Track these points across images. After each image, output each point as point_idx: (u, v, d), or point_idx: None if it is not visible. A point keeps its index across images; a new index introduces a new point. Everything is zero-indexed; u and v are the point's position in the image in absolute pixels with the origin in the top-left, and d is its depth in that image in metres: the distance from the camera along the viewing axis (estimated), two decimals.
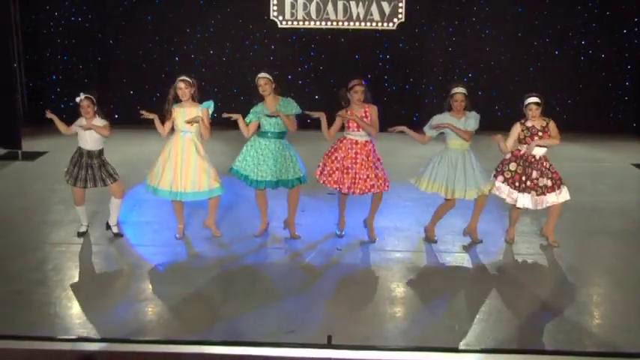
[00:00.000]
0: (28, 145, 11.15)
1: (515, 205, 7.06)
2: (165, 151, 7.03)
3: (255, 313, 5.63)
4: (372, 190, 6.95)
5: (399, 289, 6.16)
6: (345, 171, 6.95)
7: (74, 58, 13.19)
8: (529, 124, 6.95)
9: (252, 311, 5.64)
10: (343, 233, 7.34)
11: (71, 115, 13.34)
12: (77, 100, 7.00)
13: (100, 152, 7.07)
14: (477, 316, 5.65)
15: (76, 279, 6.24)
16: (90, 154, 7.01)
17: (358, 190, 6.94)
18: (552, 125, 6.96)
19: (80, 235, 7.28)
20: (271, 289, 6.13)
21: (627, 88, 13.21)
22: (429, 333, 5.37)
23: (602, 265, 6.79)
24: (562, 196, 6.99)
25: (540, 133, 6.91)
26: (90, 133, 6.96)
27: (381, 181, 6.97)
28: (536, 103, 6.90)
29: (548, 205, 7.00)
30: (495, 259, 6.87)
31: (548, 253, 7.04)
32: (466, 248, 7.12)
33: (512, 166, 7.03)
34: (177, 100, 7.03)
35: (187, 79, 6.98)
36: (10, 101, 10.64)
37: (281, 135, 7.07)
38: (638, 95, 13.16)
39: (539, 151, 6.94)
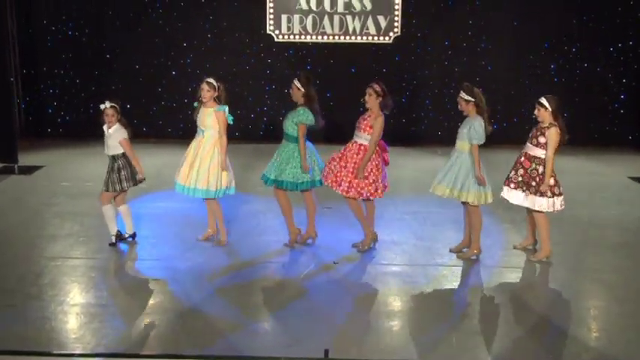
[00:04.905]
0: (25, 159, 11.13)
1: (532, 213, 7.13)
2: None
3: (252, 327, 5.61)
4: (332, 186, 7.04)
5: (396, 303, 6.14)
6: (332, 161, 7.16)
7: (71, 72, 13.20)
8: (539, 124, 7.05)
9: (249, 325, 5.62)
10: (372, 245, 7.34)
11: (68, 128, 13.42)
12: (102, 107, 7.21)
13: (114, 157, 7.20)
14: (474, 330, 5.63)
15: (72, 293, 6.20)
16: (108, 158, 7.25)
17: (327, 181, 7.11)
18: (549, 133, 6.86)
19: (111, 245, 7.33)
20: (269, 303, 6.11)
21: (623, 101, 13.26)
22: (426, 347, 5.35)
23: (600, 277, 6.78)
24: (528, 201, 6.98)
25: (534, 131, 7.02)
26: (106, 138, 7.20)
27: (341, 182, 6.97)
28: (538, 103, 7.00)
29: (511, 200, 7.06)
30: (492, 272, 6.86)
31: (545, 266, 7.03)
32: (463, 262, 7.10)
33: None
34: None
35: (212, 81, 7.24)
36: (7, 115, 10.63)
37: (286, 137, 7.17)
38: (634, 108, 13.21)
39: (529, 150, 6.98)
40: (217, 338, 5.42)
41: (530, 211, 7.17)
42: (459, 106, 6.98)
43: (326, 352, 5.15)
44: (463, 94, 6.92)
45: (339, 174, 7.02)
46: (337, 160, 7.09)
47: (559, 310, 6.08)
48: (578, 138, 12.80)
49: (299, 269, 6.87)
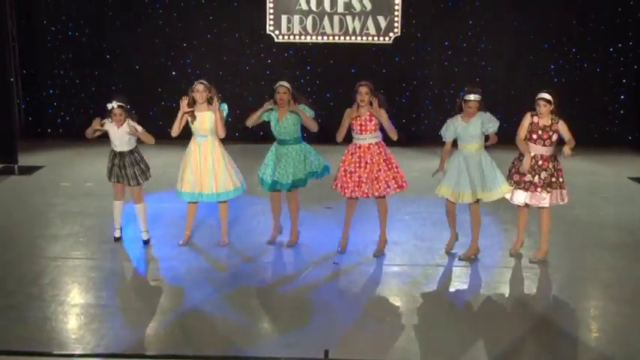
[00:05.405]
0: (25, 159, 11.14)
1: (518, 207, 7.06)
2: (185, 157, 7.29)
3: (252, 327, 5.61)
4: (381, 192, 6.94)
5: (397, 304, 6.15)
6: (349, 175, 6.96)
7: (71, 73, 13.21)
8: (535, 119, 6.89)
9: (249, 326, 5.63)
10: (345, 249, 7.27)
11: (68, 129, 13.40)
12: (109, 106, 7.16)
13: (131, 152, 7.24)
14: (474, 330, 5.63)
15: (73, 294, 6.21)
16: (121, 154, 7.23)
17: (361, 194, 6.94)
18: (561, 126, 6.81)
19: (116, 239, 7.46)
20: (269, 304, 6.11)
21: (623, 101, 13.26)
22: (426, 347, 5.36)
23: (599, 278, 6.78)
24: (544, 201, 6.92)
25: (540, 132, 6.84)
26: (120, 137, 7.16)
27: (388, 183, 6.94)
28: (545, 100, 6.82)
29: (540, 203, 6.95)
30: (492, 273, 6.87)
31: (544, 266, 7.03)
32: (463, 262, 7.11)
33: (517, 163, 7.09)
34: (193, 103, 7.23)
35: (205, 82, 7.21)
36: (7, 115, 10.64)
37: (288, 142, 7.17)
38: (634, 108, 13.21)
39: (544, 152, 6.89)
40: (217, 338, 5.43)
41: (541, 210, 7.04)
42: (470, 110, 6.83)
43: (326, 352, 5.16)
44: (476, 96, 6.83)
45: (380, 178, 6.90)
46: (362, 170, 6.90)
47: (558, 310, 6.08)
48: (578, 138, 12.76)
49: (299, 269, 6.88)
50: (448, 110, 12.59)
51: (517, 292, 6.47)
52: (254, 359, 5.13)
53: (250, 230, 7.96)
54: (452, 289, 6.51)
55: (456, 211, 7.17)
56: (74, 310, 5.88)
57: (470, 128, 6.89)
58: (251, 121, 7.23)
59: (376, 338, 5.49)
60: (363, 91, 6.86)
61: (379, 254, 7.20)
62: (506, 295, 6.39)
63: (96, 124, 7.13)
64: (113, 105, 7.12)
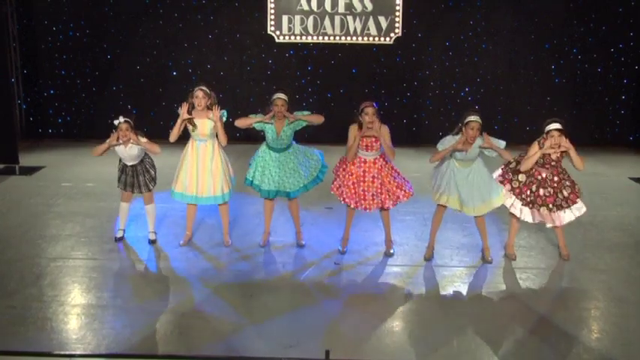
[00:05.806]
0: (26, 159, 11.15)
1: (515, 216, 7.05)
2: (182, 158, 7.31)
3: (253, 328, 5.62)
4: (390, 204, 6.99)
5: (397, 304, 6.15)
6: (353, 188, 6.99)
7: (72, 73, 13.21)
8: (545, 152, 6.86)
9: (250, 326, 5.63)
10: (345, 250, 7.32)
11: (68, 129, 13.40)
12: (115, 122, 7.15)
13: (141, 161, 7.34)
14: (475, 331, 5.64)
15: (73, 294, 6.21)
16: (133, 165, 7.32)
17: (367, 207, 6.99)
18: (572, 154, 6.75)
19: (117, 240, 7.52)
20: (270, 304, 6.11)
21: (624, 101, 13.26)
22: (427, 348, 5.36)
23: (600, 278, 6.78)
24: (565, 217, 6.95)
25: (554, 163, 6.86)
26: (129, 154, 7.24)
27: (397, 191, 6.99)
28: (559, 130, 6.73)
29: (549, 222, 6.97)
30: (493, 274, 6.87)
31: (545, 267, 7.03)
32: (464, 263, 7.11)
33: (522, 177, 7.01)
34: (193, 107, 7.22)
35: (205, 88, 7.18)
36: (7, 116, 10.64)
37: (283, 149, 7.20)
38: (634, 108, 13.21)
39: (546, 172, 6.90)
40: (217, 339, 5.43)
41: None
42: (472, 132, 6.68)
43: (327, 352, 5.16)
44: (477, 117, 6.72)
45: (392, 190, 6.98)
46: (369, 183, 6.96)
47: (559, 310, 6.08)
48: (578, 138, 12.79)
49: (299, 269, 6.88)
50: (449, 110, 12.69)
51: (517, 292, 6.47)
52: (254, 359, 5.13)
53: (250, 230, 7.96)
54: (452, 289, 6.51)
55: (442, 215, 7.18)
56: (75, 310, 5.89)
57: (469, 155, 6.87)
58: (243, 124, 7.20)
59: (376, 338, 5.49)
60: (371, 112, 6.82)
61: (390, 254, 7.23)
62: (507, 295, 6.39)
63: (112, 139, 7.14)
64: (120, 120, 7.12)
